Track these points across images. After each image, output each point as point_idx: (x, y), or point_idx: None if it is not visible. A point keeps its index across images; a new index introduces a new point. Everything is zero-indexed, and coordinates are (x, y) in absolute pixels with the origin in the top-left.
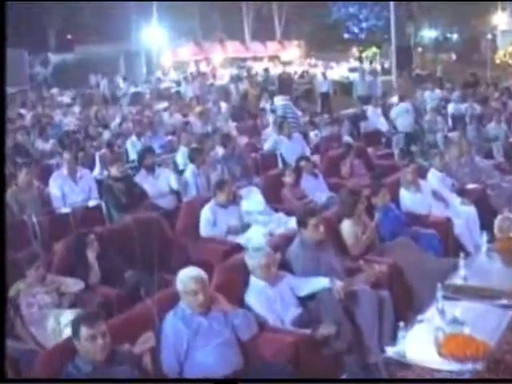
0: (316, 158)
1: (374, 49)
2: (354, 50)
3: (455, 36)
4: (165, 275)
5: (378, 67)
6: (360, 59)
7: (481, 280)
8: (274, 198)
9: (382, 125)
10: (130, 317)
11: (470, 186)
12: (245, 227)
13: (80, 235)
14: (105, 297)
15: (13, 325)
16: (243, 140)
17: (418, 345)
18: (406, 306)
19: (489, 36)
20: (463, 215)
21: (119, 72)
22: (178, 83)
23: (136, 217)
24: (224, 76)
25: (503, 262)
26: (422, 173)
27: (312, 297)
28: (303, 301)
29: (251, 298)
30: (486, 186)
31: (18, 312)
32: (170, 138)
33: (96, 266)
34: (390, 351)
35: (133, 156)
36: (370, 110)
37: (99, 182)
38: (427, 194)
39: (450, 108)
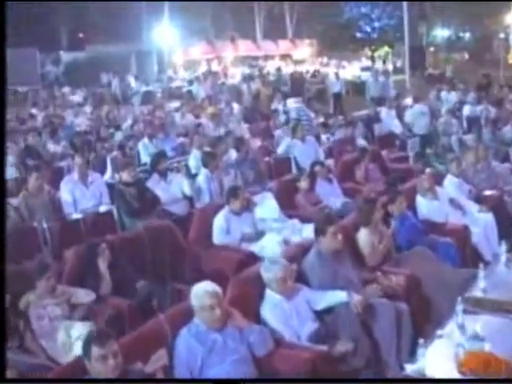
0: (330, 161)
1: (387, 48)
2: (366, 50)
3: (467, 35)
4: (177, 285)
5: (390, 67)
6: (372, 58)
7: (501, 292)
8: (287, 204)
9: (396, 127)
10: (142, 334)
11: (487, 193)
12: (259, 235)
13: (91, 245)
14: (116, 308)
15: (22, 337)
16: (256, 143)
17: (438, 362)
18: (424, 318)
19: (501, 35)
20: (481, 223)
21: (130, 71)
22: (190, 82)
23: (148, 225)
24: (235, 75)
25: None
26: (438, 179)
27: (329, 310)
28: (319, 314)
29: (267, 312)
30: (503, 192)
31: (28, 324)
32: (181, 139)
33: (107, 276)
34: (409, 369)
35: (144, 159)
36: (383, 111)
37: (110, 187)
38: (444, 202)
39: (466, 110)
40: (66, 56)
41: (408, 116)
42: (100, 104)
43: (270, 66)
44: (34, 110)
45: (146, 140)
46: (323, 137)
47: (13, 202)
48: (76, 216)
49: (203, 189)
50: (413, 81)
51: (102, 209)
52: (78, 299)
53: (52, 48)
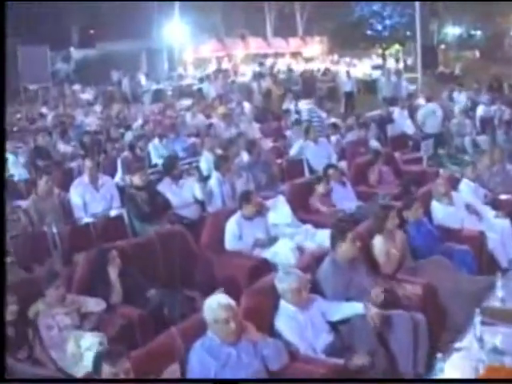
0: (343, 164)
1: (397, 46)
2: (377, 48)
3: (479, 33)
4: (188, 292)
5: (401, 65)
6: (383, 56)
7: None
8: (300, 207)
9: (409, 127)
10: (154, 348)
11: (503, 197)
12: (271, 240)
13: (101, 251)
14: (127, 318)
15: (32, 348)
16: (268, 144)
17: (457, 376)
18: (440, 329)
19: None
20: (497, 229)
21: (141, 69)
22: (201, 80)
23: (159, 230)
24: (246, 72)
25: None
26: (453, 183)
27: (344, 321)
28: (334, 325)
29: (281, 323)
30: None
31: (38, 334)
32: (193, 140)
33: (118, 284)
34: None
35: (155, 160)
36: (396, 112)
37: (121, 190)
38: (460, 207)
39: (479, 111)
40: (76, 53)
41: (419, 115)
42: (110, 103)
43: (281, 64)
44: (44, 109)
45: (156, 141)
46: (334, 138)
47: (22, 204)
48: (86, 220)
49: (215, 192)
50: (424, 80)
51: (113, 213)
52: (88, 308)
53: (63, 45)
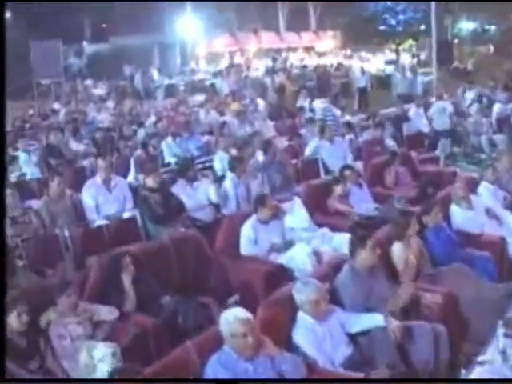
0: (359, 164)
1: (411, 41)
2: (390, 43)
3: (493, 28)
4: (203, 298)
5: (415, 60)
6: (397, 51)
7: None
8: (316, 209)
9: (425, 126)
10: (169, 362)
11: None
12: (287, 244)
13: (114, 258)
14: (140, 327)
15: (43, 358)
16: (283, 143)
17: None
18: (461, 340)
19: None
20: None
21: (153, 63)
22: (215, 74)
23: (173, 235)
24: (259, 67)
25: None
26: (472, 186)
27: (363, 332)
28: (354, 337)
29: (299, 336)
30: None
31: (49, 344)
32: (206, 138)
33: (131, 291)
34: None
35: (168, 159)
36: (412, 110)
37: (134, 190)
38: (479, 211)
39: (496, 108)
40: (88, 48)
41: (429, 112)
42: (122, 98)
43: (294, 59)
44: (56, 105)
45: (169, 139)
46: (348, 137)
47: (34, 203)
48: (99, 222)
49: (230, 195)
50: (439, 75)
51: (126, 215)
52: (100, 317)
53: (75, 40)
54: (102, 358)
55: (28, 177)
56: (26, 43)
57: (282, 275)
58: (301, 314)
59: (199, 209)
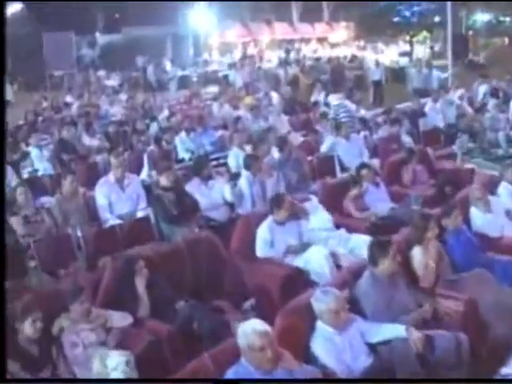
0: (375, 161)
1: (425, 33)
2: (404, 34)
3: (508, 19)
4: (217, 301)
5: (429, 51)
6: (411, 43)
7: None
8: (332, 209)
9: (441, 121)
10: (185, 375)
11: None
12: (304, 246)
13: (128, 262)
14: (155, 334)
15: (55, 366)
16: (298, 139)
17: None
18: (483, 349)
19: None
20: None
21: (166, 54)
22: (229, 66)
23: (187, 237)
24: (272, 58)
25: None
26: (491, 187)
27: (384, 342)
28: (373, 347)
29: (318, 346)
30: None
31: (62, 351)
32: (220, 133)
33: (145, 297)
34: None
35: (182, 154)
36: (428, 105)
37: (147, 188)
38: (499, 213)
39: None
40: (101, 38)
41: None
42: (135, 90)
43: (307, 50)
44: (68, 98)
45: (183, 134)
46: (363, 133)
47: (46, 200)
48: (112, 222)
49: (245, 194)
50: (455, 69)
51: (139, 214)
52: (113, 323)
53: (88, 31)
54: (115, 366)
55: (40, 173)
56: (39, 35)
57: (298, 279)
58: (319, 324)
59: (214, 208)
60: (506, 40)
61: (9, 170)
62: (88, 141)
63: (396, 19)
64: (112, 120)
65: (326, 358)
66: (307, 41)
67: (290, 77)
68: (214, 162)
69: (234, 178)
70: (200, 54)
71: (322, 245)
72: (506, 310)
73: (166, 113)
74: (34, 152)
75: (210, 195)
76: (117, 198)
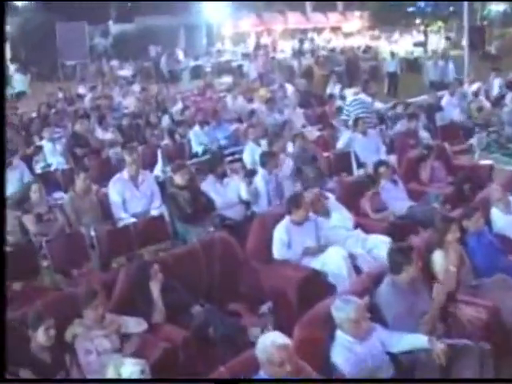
0: (392, 158)
1: (440, 23)
2: (419, 24)
3: None
4: (233, 304)
5: (443, 41)
6: (425, 33)
7: None
8: (348, 207)
9: (458, 115)
10: None
11: None
12: (322, 248)
13: (142, 266)
14: (170, 341)
15: (68, 373)
16: (313, 133)
17: None
18: (507, 359)
19: None
20: None
21: (179, 44)
22: (243, 56)
23: (202, 239)
24: (285, 48)
25: None
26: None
27: (405, 352)
28: (394, 356)
29: (338, 356)
30: None
31: (75, 359)
32: (234, 126)
33: (160, 302)
34: None
35: (196, 148)
36: (445, 98)
37: (161, 185)
38: None
39: None
40: (114, 28)
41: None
42: (148, 79)
43: (320, 40)
44: (81, 90)
45: (196, 128)
46: (379, 128)
47: (58, 196)
48: (126, 220)
49: (261, 192)
50: (471, 60)
51: (154, 212)
52: (128, 329)
53: (101, 20)
54: (129, 375)
55: (53, 167)
56: (52, 25)
57: (316, 281)
58: (339, 333)
59: (229, 207)
60: None
61: (21, 165)
62: (101, 134)
63: (410, 9)
64: (125, 112)
65: (346, 368)
66: (320, 30)
67: (304, 68)
68: (229, 158)
69: (250, 174)
70: (213, 43)
71: (340, 245)
72: None
73: (179, 105)
74: (47, 146)
75: (226, 193)
76: (131, 196)
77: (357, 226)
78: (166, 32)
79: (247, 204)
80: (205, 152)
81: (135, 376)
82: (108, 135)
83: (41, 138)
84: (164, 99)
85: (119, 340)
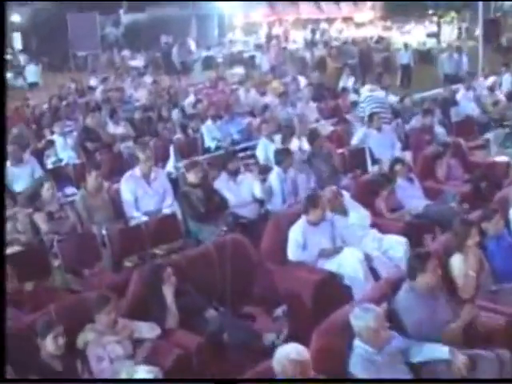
0: (407, 154)
1: (453, 14)
2: (432, 14)
3: None
4: (247, 307)
5: (456, 31)
6: (438, 24)
7: None
8: (363, 205)
9: (474, 110)
10: None
11: None
12: (337, 249)
13: (155, 269)
14: (184, 348)
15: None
16: (327, 128)
17: None
18: None
19: None
20: None
21: (191, 34)
22: (256, 46)
23: (216, 240)
24: (297, 39)
25: None
26: None
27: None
28: (413, 366)
29: (356, 366)
30: None
31: (87, 365)
32: (247, 120)
33: (174, 306)
34: None
35: (208, 143)
36: (460, 92)
37: (174, 182)
38: None
39: None
40: (125, 18)
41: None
42: (159, 72)
43: (333, 30)
44: (92, 82)
45: (209, 122)
46: (394, 123)
47: (69, 191)
48: (138, 219)
49: (275, 190)
50: (486, 53)
51: (166, 211)
52: (141, 334)
53: (112, 10)
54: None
55: (64, 162)
56: (63, 16)
57: (332, 284)
58: (358, 343)
59: (243, 205)
60: None
61: (32, 160)
62: (112, 128)
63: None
64: (137, 105)
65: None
66: (332, 21)
67: (317, 59)
68: (242, 154)
69: (264, 171)
70: (225, 34)
71: (355, 245)
72: None
73: (191, 98)
74: (58, 141)
75: (239, 192)
76: (143, 193)
77: (372, 225)
78: (178, 22)
79: (261, 202)
80: (217, 148)
81: None
82: (119, 129)
83: (52, 132)
84: (176, 92)
85: (132, 346)
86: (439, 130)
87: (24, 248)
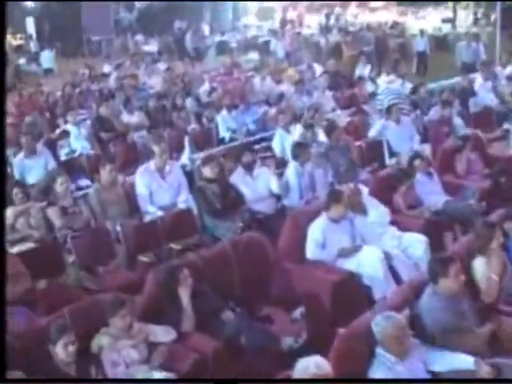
0: (425, 147)
1: None
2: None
3: None
4: (265, 308)
5: (471, 17)
6: (454, 9)
7: None
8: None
9: (492, 101)
10: None
11: None
12: (357, 247)
13: (171, 270)
14: (200, 353)
15: None
16: (343, 120)
17: None
18: None
19: None
20: None
21: (205, 19)
22: (271, 32)
23: (233, 239)
24: (311, 24)
25: None
26: None
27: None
28: (436, 375)
29: (377, 374)
30: None
31: (101, 370)
32: (263, 109)
33: (190, 309)
34: None
35: (223, 133)
36: (477, 82)
37: (188, 175)
38: None
39: None
40: (139, 2)
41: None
42: (173, 58)
43: (347, 15)
44: (106, 68)
45: (224, 112)
46: (413, 115)
47: (83, 183)
48: (153, 214)
49: (292, 185)
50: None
51: (181, 205)
52: (156, 338)
53: None
54: None
55: (78, 152)
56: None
57: (351, 284)
58: (380, 351)
59: (259, 200)
60: None
61: (45, 151)
62: (126, 117)
63: None
64: (151, 93)
65: None
66: (346, 5)
67: (332, 45)
68: (258, 146)
69: (280, 166)
70: (239, 18)
71: (375, 243)
72: None
73: (206, 86)
74: (72, 131)
75: (255, 186)
76: (157, 188)
77: (392, 223)
78: (192, 6)
79: (278, 197)
80: (232, 139)
81: None
82: (134, 118)
83: (65, 121)
84: (190, 79)
85: (147, 350)
86: (458, 121)
87: (38, 244)
